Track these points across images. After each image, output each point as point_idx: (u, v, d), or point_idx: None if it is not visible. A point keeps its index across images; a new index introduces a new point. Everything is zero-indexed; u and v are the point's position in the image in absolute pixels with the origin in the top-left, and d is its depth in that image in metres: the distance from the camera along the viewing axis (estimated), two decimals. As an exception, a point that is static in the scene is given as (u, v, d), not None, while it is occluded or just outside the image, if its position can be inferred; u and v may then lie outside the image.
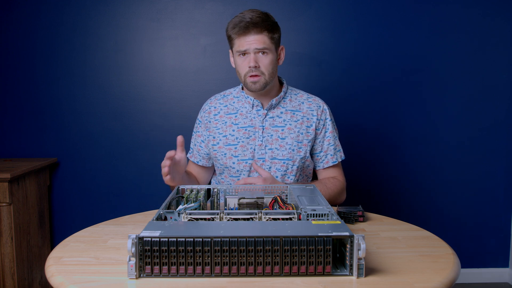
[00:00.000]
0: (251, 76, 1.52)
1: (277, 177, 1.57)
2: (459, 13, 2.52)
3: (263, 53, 1.51)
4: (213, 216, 1.07)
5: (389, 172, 2.60)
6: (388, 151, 2.59)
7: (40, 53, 2.47)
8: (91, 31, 2.47)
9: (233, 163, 1.59)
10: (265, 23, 1.50)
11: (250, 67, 1.50)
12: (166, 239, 0.88)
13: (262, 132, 1.59)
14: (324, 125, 1.64)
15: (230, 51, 1.61)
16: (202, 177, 1.72)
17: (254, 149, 1.58)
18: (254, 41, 1.49)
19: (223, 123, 1.62)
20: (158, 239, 0.88)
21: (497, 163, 2.62)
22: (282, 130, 1.59)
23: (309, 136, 1.61)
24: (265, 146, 1.58)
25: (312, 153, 1.66)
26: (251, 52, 1.50)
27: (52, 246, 2.53)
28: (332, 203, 1.61)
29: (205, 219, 1.06)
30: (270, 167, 1.57)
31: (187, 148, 1.77)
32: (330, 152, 1.64)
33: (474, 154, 2.60)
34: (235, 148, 1.58)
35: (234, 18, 1.52)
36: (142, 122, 2.52)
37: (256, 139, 1.58)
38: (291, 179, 1.59)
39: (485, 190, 2.63)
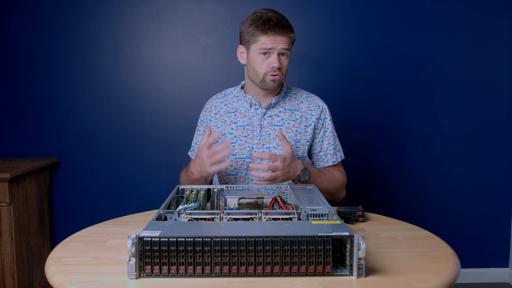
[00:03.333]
0: (270, 74, 1.52)
1: None
2: (459, 13, 2.52)
3: (284, 54, 1.52)
4: (213, 216, 1.07)
5: (389, 172, 2.60)
6: (388, 151, 2.59)
7: (40, 53, 2.47)
8: (91, 31, 2.47)
9: (231, 161, 1.59)
10: (290, 25, 1.53)
11: (273, 67, 1.51)
12: (166, 239, 0.88)
13: (260, 131, 1.59)
14: (323, 124, 1.64)
15: (241, 46, 1.59)
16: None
17: (252, 148, 1.58)
18: (281, 41, 1.50)
19: (222, 122, 1.63)
20: (158, 239, 0.88)
21: (497, 163, 2.62)
22: (280, 129, 1.59)
23: (307, 135, 1.61)
24: (263, 144, 1.58)
25: (311, 153, 1.66)
26: (275, 52, 1.50)
27: (52, 246, 2.53)
28: (335, 195, 1.62)
29: (205, 219, 1.06)
30: None
31: (183, 145, 1.78)
32: (330, 151, 1.64)
33: (474, 154, 2.60)
34: (233, 146, 1.59)
35: (255, 15, 1.51)
36: (142, 122, 2.52)
37: (254, 138, 1.59)
38: None
39: (485, 190, 2.63)
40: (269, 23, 1.48)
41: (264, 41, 1.50)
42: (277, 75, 1.52)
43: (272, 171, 1.40)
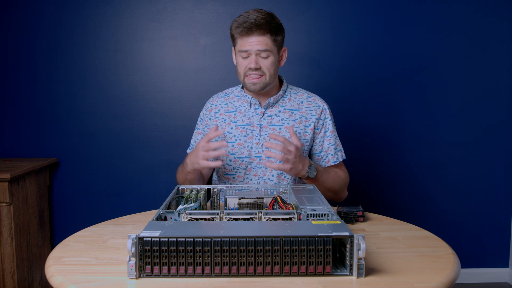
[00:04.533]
0: (250, 76, 1.53)
1: (273, 175, 1.58)
2: (459, 13, 2.52)
3: (265, 55, 1.52)
4: (213, 216, 1.07)
5: (389, 172, 2.60)
6: (388, 151, 2.59)
7: (40, 53, 2.47)
8: (91, 31, 2.47)
9: (230, 160, 1.59)
10: (269, 25, 1.51)
11: (250, 68, 1.51)
12: (166, 239, 0.88)
13: (260, 131, 1.59)
14: (323, 124, 1.64)
15: (233, 48, 1.61)
16: (203, 173, 1.72)
17: (251, 148, 1.58)
18: (256, 42, 1.49)
19: (222, 121, 1.64)
20: (158, 239, 0.88)
21: (497, 163, 2.62)
22: (280, 129, 1.59)
23: (307, 136, 1.61)
24: (262, 144, 1.58)
25: (312, 153, 1.66)
26: (252, 53, 1.51)
27: (52, 246, 2.52)
28: (339, 194, 1.62)
29: (205, 219, 1.06)
30: (266, 167, 1.58)
31: (183, 145, 1.79)
32: (331, 151, 1.64)
33: (474, 154, 2.60)
34: (232, 145, 1.59)
35: (239, 17, 1.52)
36: (142, 122, 2.52)
37: (254, 138, 1.59)
38: (288, 178, 1.59)
39: (485, 190, 2.63)
40: (244, 25, 1.49)
41: (241, 43, 1.52)
42: (258, 76, 1.52)
43: (284, 153, 1.39)
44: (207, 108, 1.70)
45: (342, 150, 1.68)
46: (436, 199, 2.62)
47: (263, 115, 1.61)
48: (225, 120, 1.63)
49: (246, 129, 1.60)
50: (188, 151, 1.76)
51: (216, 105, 1.68)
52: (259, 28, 1.49)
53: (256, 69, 1.51)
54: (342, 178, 1.62)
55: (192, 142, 1.75)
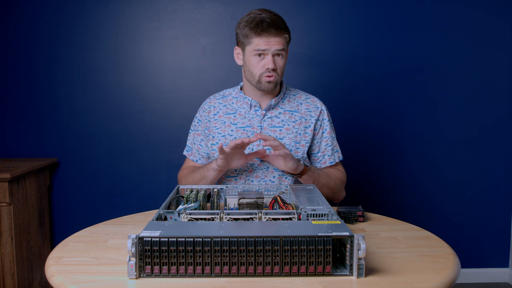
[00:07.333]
0: (265, 76, 1.52)
1: (274, 177, 1.58)
2: (459, 13, 2.52)
3: (279, 55, 1.52)
4: (213, 216, 1.07)
5: (389, 172, 2.60)
6: (388, 151, 2.59)
7: (40, 53, 2.47)
8: (91, 31, 2.47)
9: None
10: (284, 25, 1.52)
11: (268, 68, 1.50)
12: (166, 239, 0.88)
13: (261, 132, 1.58)
14: (321, 125, 1.64)
15: (237, 48, 1.59)
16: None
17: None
18: (275, 42, 1.49)
19: (222, 123, 1.63)
20: (158, 239, 0.88)
21: (497, 163, 2.62)
22: (280, 130, 1.59)
23: (307, 137, 1.61)
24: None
25: (309, 153, 1.65)
26: (270, 53, 1.50)
27: (52, 246, 2.53)
28: (336, 193, 1.62)
29: (205, 219, 1.06)
30: (268, 167, 1.58)
31: (183, 145, 1.78)
32: (328, 152, 1.64)
33: (474, 154, 2.60)
34: None
35: (249, 17, 1.51)
36: (142, 122, 2.52)
37: None
38: (289, 179, 1.59)
39: (485, 190, 2.63)
40: (263, 25, 1.47)
41: (258, 42, 1.49)
42: (272, 76, 1.52)
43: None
44: (205, 110, 1.68)
45: (340, 151, 1.68)
46: (436, 199, 2.62)
47: (264, 117, 1.60)
48: (224, 122, 1.62)
49: (247, 131, 1.60)
50: (184, 152, 1.74)
51: (214, 107, 1.66)
52: (277, 28, 1.48)
53: (273, 69, 1.51)
54: (336, 177, 1.62)
55: (188, 144, 1.73)
